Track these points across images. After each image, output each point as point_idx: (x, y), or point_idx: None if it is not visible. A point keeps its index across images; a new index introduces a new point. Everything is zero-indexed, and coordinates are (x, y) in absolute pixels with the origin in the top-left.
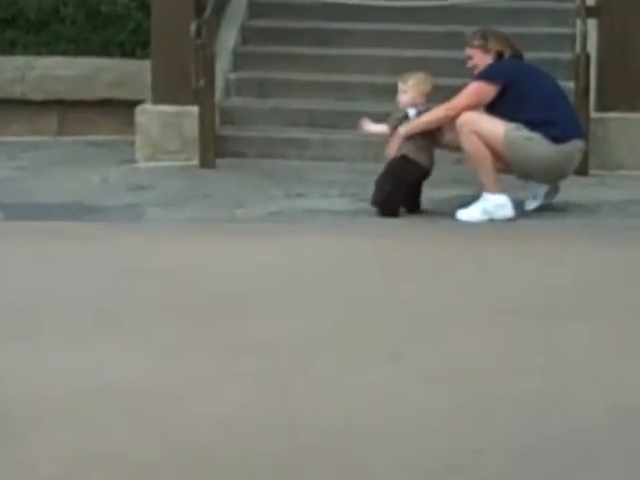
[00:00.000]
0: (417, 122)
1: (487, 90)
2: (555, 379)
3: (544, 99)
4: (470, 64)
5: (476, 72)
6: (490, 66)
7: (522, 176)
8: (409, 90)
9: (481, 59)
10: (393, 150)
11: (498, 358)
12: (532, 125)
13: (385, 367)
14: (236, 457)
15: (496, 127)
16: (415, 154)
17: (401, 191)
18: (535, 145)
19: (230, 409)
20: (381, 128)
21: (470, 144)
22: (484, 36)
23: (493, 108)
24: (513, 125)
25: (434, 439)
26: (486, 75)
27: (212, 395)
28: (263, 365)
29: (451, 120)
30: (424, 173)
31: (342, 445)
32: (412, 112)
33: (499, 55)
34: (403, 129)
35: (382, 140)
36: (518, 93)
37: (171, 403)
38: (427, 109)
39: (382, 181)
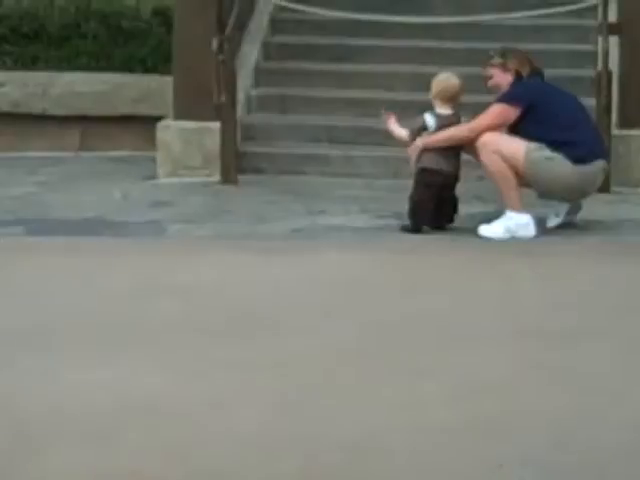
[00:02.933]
0: (437, 138)
1: (510, 112)
2: (576, 397)
3: (566, 120)
4: (490, 83)
5: (498, 92)
6: (513, 87)
7: (543, 195)
8: (432, 96)
9: (501, 78)
10: (413, 160)
11: (518, 376)
12: (554, 146)
13: (405, 384)
14: (254, 476)
15: (517, 147)
16: (436, 163)
17: (430, 200)
18: (556, 166)
19: (249, 427)
20: (402, 133)
21: (492, 164)
22: (504, 55)
23: (515, 129)
24: (535, 145)
25: (454, 455)
26: (509, 97)
27: (231, 413)
28: (282, 382)
29: (472, 140)
30: (450, 179)
31: (362, 462)
32: (431, 121)
33: (518, 74)
34: (421, 141)
35: (402, 156)
36: (541, 114)
37: (189, 421)
38: (449, 118)
39: (412, 194)
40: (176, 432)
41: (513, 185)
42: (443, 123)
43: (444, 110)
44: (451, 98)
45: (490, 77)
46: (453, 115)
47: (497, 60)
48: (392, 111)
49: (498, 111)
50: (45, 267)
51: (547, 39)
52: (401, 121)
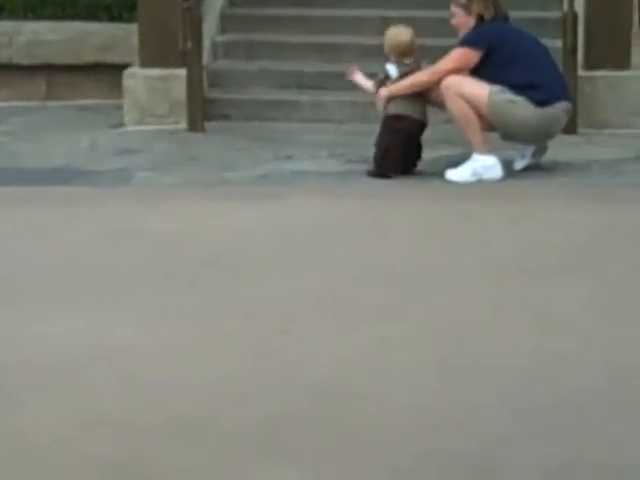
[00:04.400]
0: (400, 85)
1: (471, 55)
2: (548, 338)
3: (528, 63)
4: (453, 21)
5: (459, 35)
6: (474, 31)
7: (506, 138)
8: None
9: (463, 20)
10: (380, 110)
11: (490, 318)
12: (516, 89)
13: (374, 327)
14: (224, 420)
15: (480, 89)
16: (405, 109)
17: (398, 147)
18: (519, 108)
19: (219, 371)
20: (367, 84)
21: (455, 106)
22: None
23: (477, 72)
24: (497, 88)
25: (426, 398)
26: (470, 40)
27: (200, 360)
28: (252, 328)
29: (435, 84)
30: (419, 126)
31: (331, 405)
32: (393, 70)
33: (481, 17)
34: (385, 91)
35: (370, 100)
36: (502, 57)
37: (160, 367)
38: (411, 65)
39: (378, 140)
40: (147, 379)
41: (477, 127)
42: (405, 71)
43: (404, 61)
44: (405, 53)
45: (453, 15)
46: (414, 62)
47: (462, 0)
48: (359, 58)
49: (459, 54)
50: (11, 216)
51: None
52: (369, 64)
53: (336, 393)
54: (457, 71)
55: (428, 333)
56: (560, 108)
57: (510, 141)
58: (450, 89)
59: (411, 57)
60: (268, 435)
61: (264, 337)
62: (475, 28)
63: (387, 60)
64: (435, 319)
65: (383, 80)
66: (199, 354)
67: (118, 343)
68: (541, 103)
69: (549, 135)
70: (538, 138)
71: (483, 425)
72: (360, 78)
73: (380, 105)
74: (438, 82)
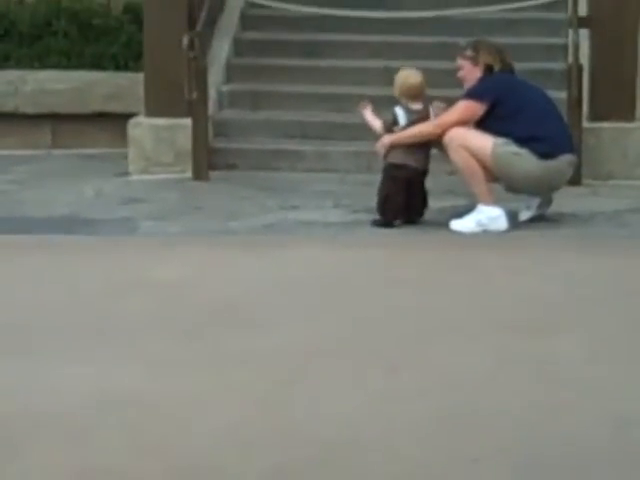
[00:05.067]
0: (404, 135)
1: (476, 108)
2: (550, 391)
3: (533, 115)
4: (459, 74)
5: (465, 87)
6: (479, 83)
7: (510, 190)
8: (397, 94)
9: (470, 71)
10: (381, 155)
11: (492, 370)
12: (520, 141)
13: (379, 379)
14: (231, 471)
15: (484, 142)
16: (402, 158)
17: (398, 193)
18: (522, 161)
19: (225, 422)
20: (375, 123)
21: (459, 158)
22: (475, 48)
23: (482, 124)
24: (501, 140)
25: (429, 449)
26: (475, 93)
27: (207, 409)
28: (257, 378)
29: (439, 136)
30: (417, 174)
31: (337, 456)
32: (401, 115)
33: (489, 68)
34: (388, 139)
35: (375, 150)
36: (506, 110)
37: (167, 418)
38: (419, 112)
39: (380, 188)
40: (153, 428)
41: (481, 179)
42: (413, 119)
43: (413, 105)
44: (415, 96)
45: (460, 68)
46: (423, 109)
47: (469, 53)
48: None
49: (464, 107)
50: (15, 265)
51: (518, 33)
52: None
53: (341, 443)
54: (462, 123)
55: (431, 384)
56: (564, 161)
57: (513, 193)
58: (454, 141)
59: (420, 101)
60: None
61: (269, 387)
62: (481, 80)
63: (397, 103)
64: (438, 370)
65: (391, 124)
66: (203, 404)
67: (121, 392)
68: (545, 156)
69: (553, 188)
70: (542, 190)
71: (484, 477)
72: (370, 115)
73: (380, 151)
74: (442, 134)
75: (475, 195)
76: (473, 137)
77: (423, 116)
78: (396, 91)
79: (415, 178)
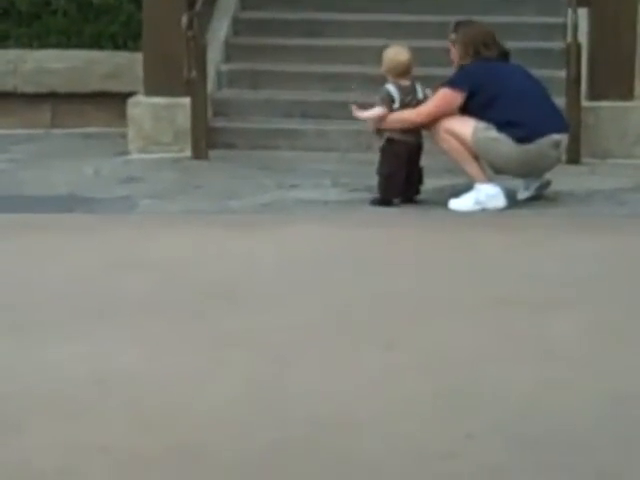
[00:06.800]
0: (390, 121)
1: (453, 96)
2: (547, 367)
3: (508, 101)
4: (451, 55)
5: (453, 68)
6: (457, 72)
7: (496, 172)
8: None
9: (455, 54)
10: (372, 126)
11: (490, 347)
12: (499, 126)
13: (377, 356)
14: (226, 448)
15: (466, 128)
16: (400, 135)
17: (399, 170)
18: (501, 145)
19: (221, 401)
20: (374, 112)
21: (445, 143)
22: (456, 31)
23: (466, 111)
24: (482, 125)
25: (425, 426)
26: (451, 82)
27: (203, 387)
28: (254, 356)
29: (422, 124)
30: (415, 149)
31: (332, 434)
32: (393, 90)
33: (476, 52)
34: (374, 124)
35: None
36: (484, 97)
37: (162, 396)
38: (408, 88)
39: (380, 167)
40: (152, 406)
41: (470, 158)
42: (404, 93)
43: (402, 82)
44: (404, 72)
45: (450, 50)
46: (410, 85)
47: (452, 36)
48: (362, 85)
49: (441, 95)
50: (15, 244)
51: (517, 12)
52: (372, 93)
53: (337, 421)
54: (441, 113)
55: (429, 361)
56: (543, 144)
57: (501, 175)
58: (438, 127)
59: (408, 77)
60: (270, 463)
61: (266, 366)
62: (460, 68)
63: (386, 80)
64: (436, 348)
65: (386, 99)
66: (202, 382)
67: (120, 371)
68: (521, 140)
69: (542, 169)
70: (529, 173)
71: (480, 453)
72: (365, 113)
73: (371, 122)
74: (425, 121)
75: (469, 175)
76: (457, 122)
77: (410, 91)
78: (384, 68)
79: (413, 153)
